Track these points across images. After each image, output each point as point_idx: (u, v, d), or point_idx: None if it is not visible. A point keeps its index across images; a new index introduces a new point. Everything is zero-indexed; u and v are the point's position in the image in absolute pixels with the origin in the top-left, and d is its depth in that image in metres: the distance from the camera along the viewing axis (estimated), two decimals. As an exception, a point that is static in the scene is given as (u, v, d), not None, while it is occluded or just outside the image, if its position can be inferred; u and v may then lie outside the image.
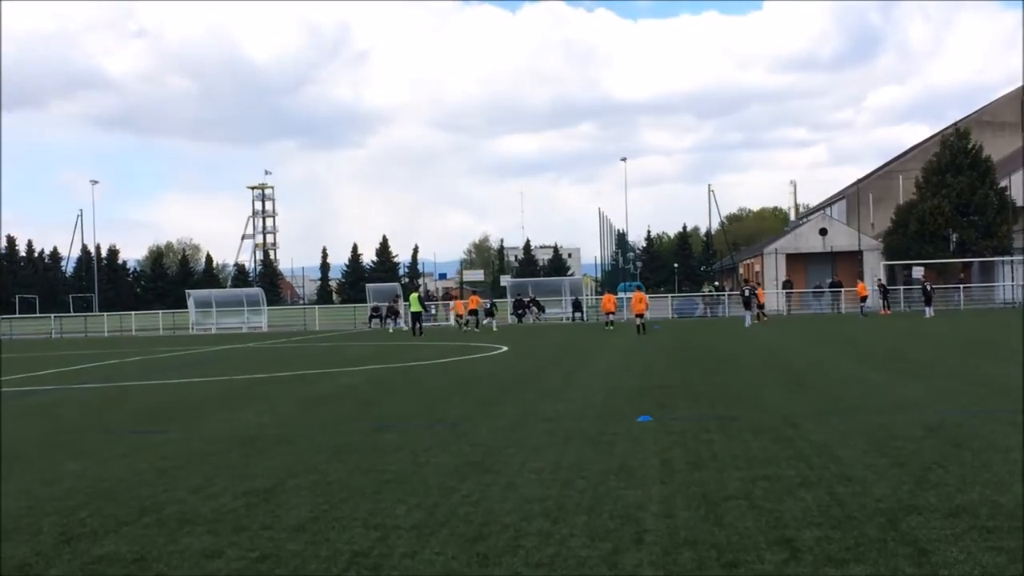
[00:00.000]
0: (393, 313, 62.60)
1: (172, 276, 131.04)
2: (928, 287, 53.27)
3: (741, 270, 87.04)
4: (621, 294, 70.33)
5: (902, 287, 61.82)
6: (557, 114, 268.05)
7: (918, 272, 61.60)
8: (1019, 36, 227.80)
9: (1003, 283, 63.85)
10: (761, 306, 50.14)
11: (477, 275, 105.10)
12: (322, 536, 7.62)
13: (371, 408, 16.39)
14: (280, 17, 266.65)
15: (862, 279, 60.09)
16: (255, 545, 7.43)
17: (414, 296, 50.84)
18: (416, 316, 48.05)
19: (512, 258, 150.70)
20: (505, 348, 33.49)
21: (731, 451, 10.70)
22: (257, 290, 74.29)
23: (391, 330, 55.74)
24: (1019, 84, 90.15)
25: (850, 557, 6.59)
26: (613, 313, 48.43)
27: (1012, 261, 63.08)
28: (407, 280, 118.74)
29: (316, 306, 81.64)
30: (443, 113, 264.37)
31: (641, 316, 41.65)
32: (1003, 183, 66.10)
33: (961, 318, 47.18)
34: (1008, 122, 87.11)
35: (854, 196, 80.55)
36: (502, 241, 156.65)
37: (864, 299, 54.92)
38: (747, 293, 49.02)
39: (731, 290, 71.00)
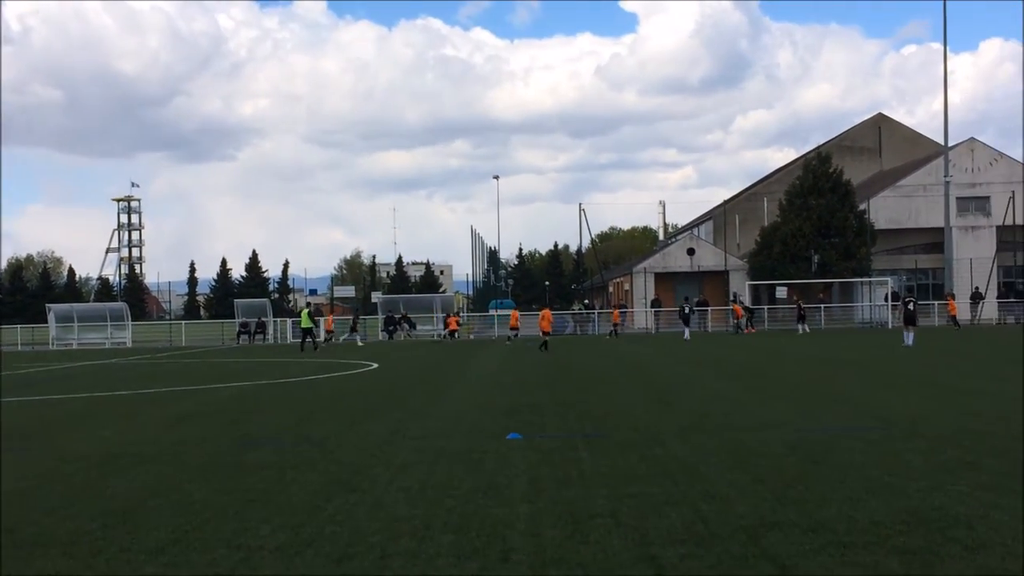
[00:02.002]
0: (261, 328, 61.82)
1: (32, 290, 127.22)
2: (801, 305, 55.13)
3: (611, 288, 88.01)
4: (492, 311, 70.64)
5: (766, 307, 63.17)
6: (431, 131, 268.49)
7: (782, 292, 63.11)
8: (879, 65, 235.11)
9: (861, 303, 65.75)
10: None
11: (348, 291, 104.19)
12: (183, 558, 7.45)
13: (237, 426, 16.10)
14: (151, 28, 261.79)
15: (736, 300, 61.34)
16: (112, 568, 7.23)
17: (304, 312, 50.45)
18: (306, 332, 47.83)
19: (384, 274, 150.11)
20: (375, 365, 33.28)
21: (598, 469, 10.78)
22: (121, 304, 72.54)
23: (315, 348, 54.99)
24: (877, 111, 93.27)
25: (713, 574, 6.69)
26: (517, 329, 48.53)
27: (870, 282, 64.99)
28: (277, 295, 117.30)
29: (183, 321, 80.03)
30: (317, 128, 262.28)
31: (547, 333, 41.89)
32: (862, 206, 68.09)
33: (821, 337, 48.39)
34: (867, 147, 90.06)
35: (721, 217, 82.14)
36: (374, 257, 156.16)
37: (739, 319, 56.51)
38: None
39: (601, 308, 71.69)
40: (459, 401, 19.30)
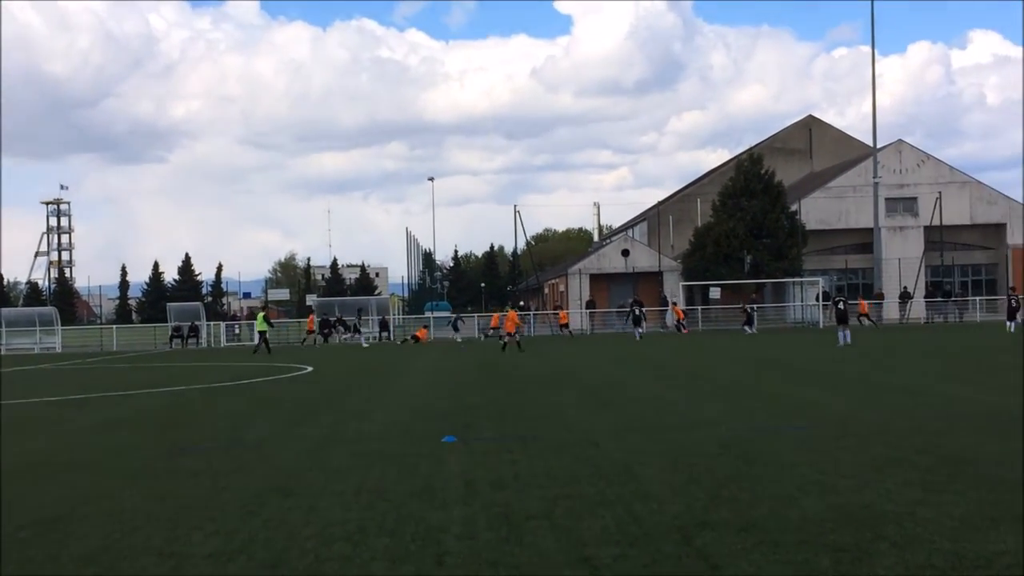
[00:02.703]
0: (195, 332, 61.18)
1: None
2: (749, 308, 55.61)
3: (546, 290, 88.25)
4: (428, 314, 70.53)
5: (700, 307, 63.68)
6: (367, 133, 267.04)
7: (715, 292, 63.65)
8: (810, 67, 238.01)
9: (793, 303, 66.57)
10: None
11: (282, 294, 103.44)
12: (112, 567, 7.36)
13: (170, 431, 15.92)
14: (81, 28, 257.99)
15: (675, 301, 61.84)
16: (41, 577, 7.12)
17: (260, 315, 50.17)
18: (262, 335, 47.52)
19: (319, 277, 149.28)
20: (310, 368, 33.09)
21: (533, 470, 10.81)
22: (50, 309, 71.36)
23: (268, 351, 54.45)
24: (808, 113, 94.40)
25: (646, 573, 6.74)
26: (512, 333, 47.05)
27: (802, 282, 65.77)
28: (210, 299, 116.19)
29: (114, 326, 79.00)
30: (251, 130, 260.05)
31: (513, 335, 41.71)
32: (793, 207, 68.90)
33: (755, 337, 48.88)
34: (798, 148, 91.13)
35: (655, 218, 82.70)
36: (309, 260, 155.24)
37: (681, 320, 56.95)
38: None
39: (536, 310, 71.86)
40: (395, 404, 19.25)
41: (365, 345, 54.05)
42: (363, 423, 16.02)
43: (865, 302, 57.19)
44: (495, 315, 54.07)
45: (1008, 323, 47.22)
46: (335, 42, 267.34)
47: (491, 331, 52.76)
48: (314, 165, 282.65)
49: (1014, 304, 48.81)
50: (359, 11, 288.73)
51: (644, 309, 56.22)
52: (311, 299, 78.84)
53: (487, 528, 8.16)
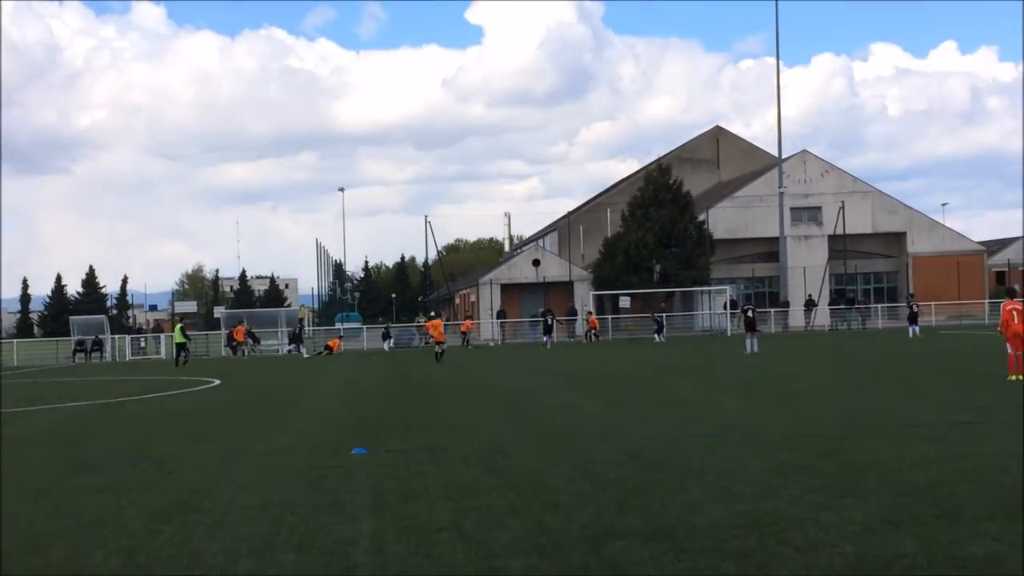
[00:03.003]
0: (99, 346, 60.06)
1: None
2: (658, 316, 56.09)
3: (457, 300, 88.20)
4: (338, 324, 70.08)
5: (610, 316, 64.08)
6: (276, 143, 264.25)
7: (625, 302, 64.09)
8: (718, 78, 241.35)
9: (702, 312, 67.29)
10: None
11: (190, 306, 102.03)
12: (12, 587, 7.19)
13: (73, 447, 15.61)
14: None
15: (591, 311, 62.21)
16: (-64, 600, 6.94)
17: (178, 328, 49.47)
18: (180, 347, 46.83)
19: (227, 288, 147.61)
20: (218, 381, 32.67)
21: (443, 482, 10.79)
22: (-51, 323, 69.62)
23: (185, 363, 53.44)
24: (716, 124, 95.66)
25: (555, 584, 6.76)
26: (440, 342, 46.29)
27: (710, 291, 66.54)
28: (115, 312, 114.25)
29: (15, 340, 77.26)
30: (158, 140, 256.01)
31: (440, 343, 41.47)
32: (701, 217, 69.68)
33: (665, 346, 49.32)
34: (706, 159, 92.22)
35: (565, 228, 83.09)
36: (217, 271, 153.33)
37: (595, 328, 57.18)
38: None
39: (448, 320, 71.75)
40: (304, 417, 19.09)
41: (307, 356, 53.69)
42: (271, 436, 15.86)
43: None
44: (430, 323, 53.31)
45: (911, 328, 48.27)
46: (244, 51, 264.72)
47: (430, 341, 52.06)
48: (222, 176, 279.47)
49: (915, 310, 49.98)
50: (268, 20, 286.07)
51: (556, 318, 56.48)
52: (219, 311, 77.93)
53: (396, 541, 8.13)
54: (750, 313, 39.77)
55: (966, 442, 12.26)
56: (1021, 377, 20.31)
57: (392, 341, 59.94)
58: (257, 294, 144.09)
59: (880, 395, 18.92)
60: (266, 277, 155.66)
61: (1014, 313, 20.98)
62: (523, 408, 19.09)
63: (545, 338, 53.55)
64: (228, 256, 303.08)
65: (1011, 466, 10.43)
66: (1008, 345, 21.12)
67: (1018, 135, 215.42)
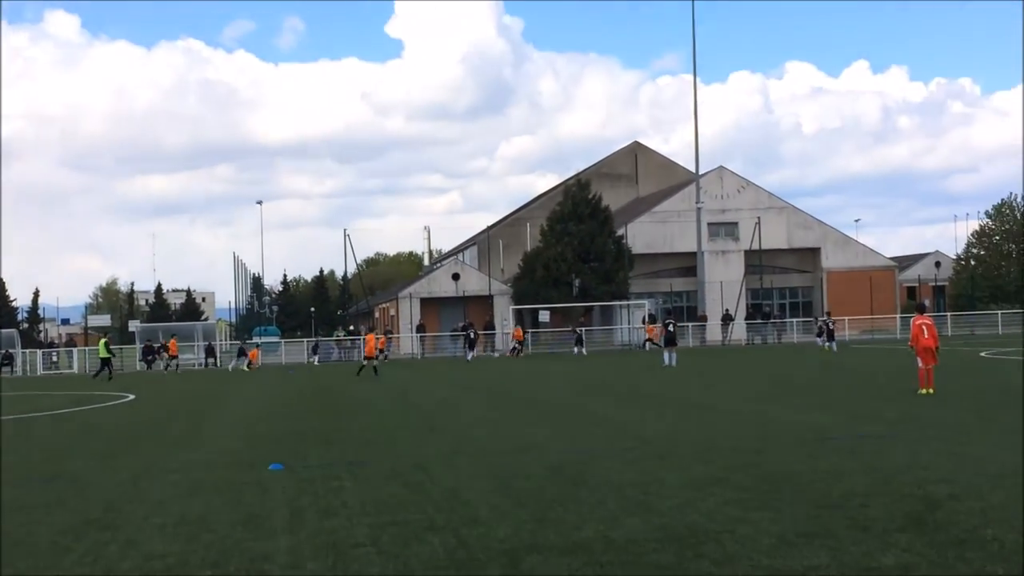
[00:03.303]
0: (8, 360, 58.89)
1: None
2: (579, 330, 56.34)
3: (377, 314, 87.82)
4: (257, 338, 69.38)
5: (530, 330, 64.23)
6: (194, 156, 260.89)
7: (544, 316, 64.30)
8: (636, 94, 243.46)
9: (620, 326, 67.77)
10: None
11: (103, 320, 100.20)
12: (-84, 608, 7.00)
13: (-20, 464, 15.25)
14: None
15: (518, 324, 62.42)
16: None
17: (102, 342, 48.70)
18: (104, 362, 46.31)
19: (143, 302, 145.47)
20: (132, 396, 32.16)
21: (361, 497, 10.73)
22: None
23: (110, 378, 52.34)
24: (634, 139, 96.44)
25: (473, 599, 6.75)
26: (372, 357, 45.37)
27: (628, 305, 67.04)
28: (26, 325, 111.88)
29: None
30: (72, 151, 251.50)
31: (372, 359, 41.08)
32: (620, 231, 70.19)
33: (584, 360, 49.55)
34: (624, 174, 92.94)
35: (485, 242, 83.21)
36: (132, 285, 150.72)
37: (521, 341, 57.24)
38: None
39: (365, 334, 71.37)
40: (220, 432, 18.87)
41: (246, 369, 53.09)
42: (186, 452, 15.64)
43: (652, 327, 58.86)
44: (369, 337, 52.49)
45: (827, 343, 48.97)
46: (160, 62, 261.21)
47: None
48: (138, 188, 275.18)
49: (831, 327, 50.78)
50: (186, 31, 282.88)
51: (477, 332, 56.55)
52: (134, 325, 76.80)
53: (313, 557, 8.06)
54: (670, 328, 40.08)
55: (878, 455, 12.47)
56: (931, 391, 20.72)
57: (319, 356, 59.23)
58: (173, 308, 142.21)
59: (795, 408, 19.18)
60: (183, 291, 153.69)
61: (923, 328, 21.54)
62: (442, 422, 19.05)
63: (468, 352, 53.76)
64: (143, 269, 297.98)
65: (921, 478, 10.63)
66: (918, 359, 21.60)
67: (928, 154, 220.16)
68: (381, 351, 48.20)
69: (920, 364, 21.51)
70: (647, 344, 56.83)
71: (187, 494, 11.39)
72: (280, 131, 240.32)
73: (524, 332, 61.33)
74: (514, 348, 57.69)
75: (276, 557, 8.11)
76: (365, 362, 40.79)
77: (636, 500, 9.96)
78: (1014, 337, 54.41)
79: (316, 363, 56.58)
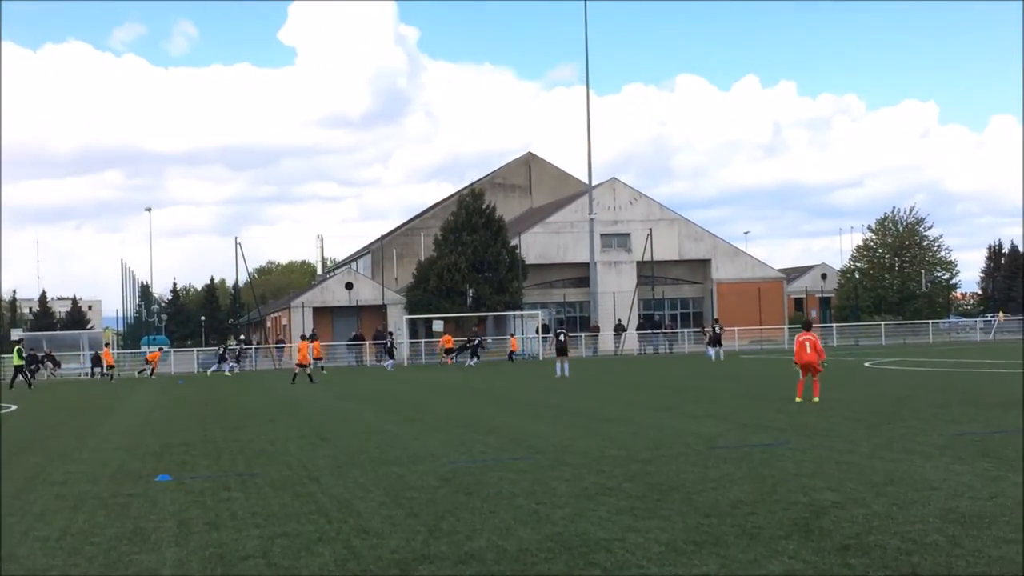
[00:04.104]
0: None
1: None
2: (476, 341, 56.36)
3: (269, 323, 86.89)
4: (144, 348, 68.10)
5: (424, 340, 64.13)
6: (81, 161, 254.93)
7: (438, 326, 64.22)
8: (531, 105, 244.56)
9: (517, 335, 67.96)
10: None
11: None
12: None
13: None
14: None
15: (442, 331, 62.41)
16: None
17: (16, 349, 47.40)
18: (18, 369, 45.60)
19: (26, 310, 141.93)
20: (14, 407, 31.33)
21: (251, 508, 10.59)
22: None
23: (29, 386, 50.65)
24: (528, 150, 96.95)
25: (364, 610, 6.70)
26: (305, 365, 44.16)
27: (522, 315, 67.31)
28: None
29: None
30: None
31: (305, 366, 40.55)
32: (514, 242, 70.51)
33: (478, 369, 49.56)
34: (518, 184, 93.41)
35: (379, 251, 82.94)
36: (15, 292, 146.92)
37: (450, 351, 57.09)
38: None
39: (259, 343, 70.60)
40: (106, 443, 18.47)
41: (228, 374, 52.19)
42: (69, 464, 15.29)
43: (515, 339, 59.72)
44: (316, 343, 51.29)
45: (715, 349, 49.69)
46: (47, 65, 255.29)
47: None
48: (21, 193, 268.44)
49: (718, 332, 51.56)
50: (73, 34, 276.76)
51: (353, 342, 56.31)
52: (16, 333, 74.81)
53: (201, 570, 7.93)
54: (562, 337, 40.24)
55: (766, 463, 12.69)
56: (816, 399, 21.56)
57: (228, 365, 57.63)
58: (59, 316, 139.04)
59: (685, 418, 19.42)
60: (68, 299, 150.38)
61: (806, 344, 22.59)
62: (333, 433, 18.89)
63: (387, 361, 53.22)
64: (27, 277, 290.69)
65: (807, 485, 10.84)
66: (799, 371, 22.64)
67: (816, 168, 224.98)
68: (317, 359, 47.47)
69: (800, 375, 22.59)
70: (449, 355, 56.98)
71: (71, 507, 11.13)
72: (171, 137, 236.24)
73: (416, 342, 61.19)
74: (451, 353, 56.87)
75: (162, 570, 7.97)
76: (298, 369, 40.46)
77: (528, 510, 9.99)
78: (896, 347, 55.87)
79: (228, 372, 55.47)
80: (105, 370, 55.15)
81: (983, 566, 7.31)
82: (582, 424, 18.94)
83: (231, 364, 56.63)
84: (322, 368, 50.60)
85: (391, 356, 53.47)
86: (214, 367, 56.81)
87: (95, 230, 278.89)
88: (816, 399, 21.50)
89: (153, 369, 55.83)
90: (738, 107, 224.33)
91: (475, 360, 54.15)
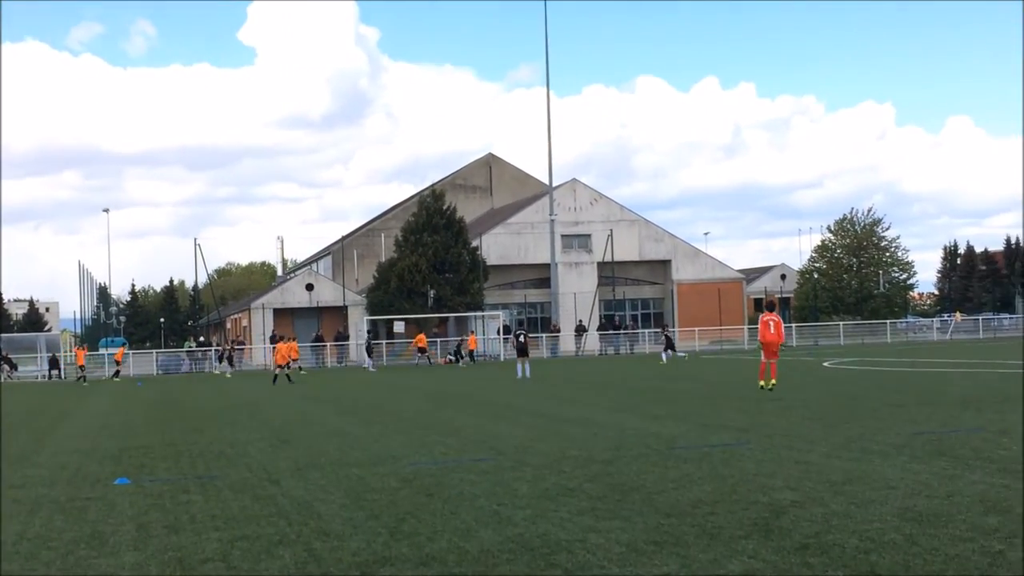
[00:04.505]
0: None
1: None
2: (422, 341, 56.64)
3: (229, 324, 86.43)
4: (102, 350, 67.55)
5: (384, 341, 63.99)
6: (38, 160, 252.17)
7: (399, 327, 64.18)
8: (492, 106, 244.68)
9: (480, 337, 68.02)
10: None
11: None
12: None
13: None
14: None
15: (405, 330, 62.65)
16: None
17: None
18: None
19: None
20: (-30, 410, 30.98)
21: (210, 511, 10.53)
22: None
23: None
24: (489, 152, 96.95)
25: (324, 613, 6.67)
26: (283, 365, 43.75)
27: (483, 316, 67.33)
28: None
29: None
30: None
31: (283, 367, 40.56)
32: (475, 243, 70.51)
33: (437, 371, 49.53)
34: (479, 185, 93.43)
35: (339, 252, 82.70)
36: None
37: (423, 350, 57.46)
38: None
39: (217, 345, 70.25)
40: (63, 446, 18.30)
41: (228, 375, 52.00)
42: (26, 467, 15.14)
43: (473, 336, 60.15)
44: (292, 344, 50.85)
45: (667, 352, 50.04)
46: (3, 64, 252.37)
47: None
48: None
49: (669, 336, 52.23)
50: (30, 33, 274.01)
51: (316, 344, 56.43)
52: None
53: (160, 573, 7.88)
54: (522, 338, 40.19)
55: (726, 463, 12.75)
56: (773, 383, 21.60)
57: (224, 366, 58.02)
58: (15, 318, 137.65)
59: (646, 418, 19.48)
60: (24, 300, 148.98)
61: (770, 324, 22.58)
62: (293, 435, 18.82)
63: (368, 362, 53.82)
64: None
65: (766, 485, 10.91)
66: (761, 353, 22.54)
67: (776, 169, 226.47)
68: (294, 360, 47.41)
69: (763, 358, 22.54)
70: (424, 355, 57.69)
71: (28, 511, 11.02)
72: (129, 138, 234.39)
73: (377, 343, 61.07)
74: (424, 353, 57.38)
75: (121, 574, 7.91)
76: (277, 370, 40.44)
77: (490, 511, 9.99)
78: (855, 347, 56.32)
79: (228, 374, 55.19)
80: (78, 372, 54.86)
81: (940, 564, 7.38)
82: (543, 425, 18.96)
83: (225, 366, 56.77)
84: (300, 368, 50.41)
85: (370, 355, 53.76)
86: (218, 366, 57.70)
87: (53, 231, 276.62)
88: (773, 381, 21.62)
89: (118, 365, 55.51)
90: (698, 108, 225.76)
91: (466, 359, 54.97)
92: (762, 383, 21.90)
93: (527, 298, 73.99)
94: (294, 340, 50.40)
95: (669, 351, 50.26)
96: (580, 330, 68.05)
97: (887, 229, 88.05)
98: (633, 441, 15.62)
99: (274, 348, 47.25)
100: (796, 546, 8.04)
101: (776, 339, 22.30)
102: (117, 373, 55.00)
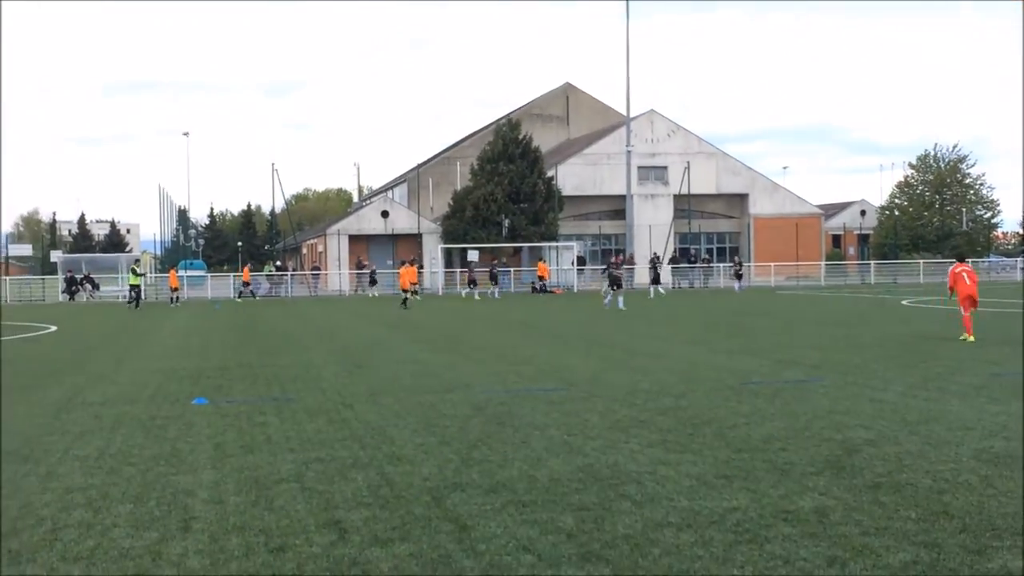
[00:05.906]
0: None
1: None
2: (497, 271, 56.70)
3: (304, 250, 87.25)
4: (182, 272, 68.55)
5: (458, 270, 64.18)
6: (118, 88, 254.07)
7: (473, 255, 64.27)
8: (564, 36, 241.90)
9: (550, 267, 67.96)
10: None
11: (25, 249, 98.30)
12: None
13: None
14: None
15: (542, 260, 63.12)
16: None
17: (131, 269, 49.22)
18: (134, 288, 47.16)
19: (66, 232, 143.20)
20: (54, 328, 31.71)
21: (285, 433, 10.71)
22: None
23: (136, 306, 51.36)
24: (565, 81, 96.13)
25: (396, 536, 6.77)
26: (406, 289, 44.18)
27: (557, 247, 67.22)
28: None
29: None
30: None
31: (406, 291, 41.70)
32: (550, 173, 70.18)
33: (513, 300, 49.66)
34: (555, 115, 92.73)
35: (415, 180, 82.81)
36: (54, 214, 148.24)
37: (545, 279, 58.13)
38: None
39: (295, 270, 70.97)
40: (143, 365, 18.68)
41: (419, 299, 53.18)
42: (108, 385, 15.49)
43: (544, 265, 60.20)
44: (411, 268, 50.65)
45: (737, 285, 50.16)
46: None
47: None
48: (62, 116, 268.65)
49: (739, 270, 52.33)
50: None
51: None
52: (56, 255, 75.53)
53: (236, 492, 8.04)
54: (614, 271, 39.48)
55: (798, 400, 12.68)
56: (972, 338, 20.51)
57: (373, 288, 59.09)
58: (97, 239, 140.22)
59: (719, 353, 19.40)
60: (106, 221, 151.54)
61: (964, 275, 21.29)
62: (368, 360, 19.02)
63: (472, 290, 54.28)
64: (66, 199, 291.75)
65: (840, 423, 10.84)
66: (960, 307, 21.36)
67: (851, 107, 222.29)
68: (413, 284, 47.81)
69: (962, 312, 21.23)
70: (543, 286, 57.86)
71: (109, 428, 11.29)
72: (209, 66, 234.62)
73: (451, 271, 61.28)
74: (543, 285, 57.77)
75: (198, 491, 8.08)
76: (404, 293, 41.48)
77: (560, 441, 10.05)
78: (935, 286, 55.42)
79: (375, 294, 57.00)
80: (242, 288, 57.43)
81: (1015, 506, 7.30)
82: (615, 357, 18.97)
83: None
84: (416, 294, 49.96)
85: (473, 285, 54.33)
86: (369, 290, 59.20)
87: (132, 154, 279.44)
88: (971, 338, 20.67)
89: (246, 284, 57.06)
90: (771, 38, 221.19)
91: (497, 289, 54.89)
92: (964, 336, 20.64)
93: (601, 229, 73.63)
94: (413, 265, 49.92)
95: (739, 281, 50.16)
96: (654, 262, 67.71)
97: (972, 166, 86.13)
98: (706, 375, 15.58)
99: (398, 273, 47.73)
100: (868, 484, 8.00)
101: (973, 290, 20.98)
102: (242, 294, 56.43)
